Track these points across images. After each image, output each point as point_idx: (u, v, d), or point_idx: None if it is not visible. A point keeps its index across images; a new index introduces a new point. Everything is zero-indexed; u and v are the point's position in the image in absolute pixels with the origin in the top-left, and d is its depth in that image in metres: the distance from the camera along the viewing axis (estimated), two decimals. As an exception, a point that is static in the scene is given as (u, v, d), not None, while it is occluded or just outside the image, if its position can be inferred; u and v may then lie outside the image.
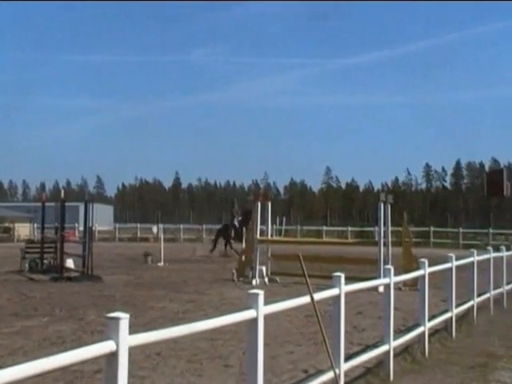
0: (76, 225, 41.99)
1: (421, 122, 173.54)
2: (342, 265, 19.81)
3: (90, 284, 17.59)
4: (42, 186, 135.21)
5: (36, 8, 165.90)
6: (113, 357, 3.70)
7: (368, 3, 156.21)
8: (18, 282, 18.17)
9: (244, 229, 25.55)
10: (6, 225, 52.15)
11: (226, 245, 29.80)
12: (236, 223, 29.55)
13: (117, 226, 56.80)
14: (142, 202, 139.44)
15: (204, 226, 53.76)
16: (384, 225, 16.98)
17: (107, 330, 3.76)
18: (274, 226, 36.39)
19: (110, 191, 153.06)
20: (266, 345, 5.60)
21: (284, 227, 40.74)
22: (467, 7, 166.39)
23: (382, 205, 16.91)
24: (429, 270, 9.39)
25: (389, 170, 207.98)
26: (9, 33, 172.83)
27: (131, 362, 3.91)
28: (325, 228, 52.72)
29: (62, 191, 22.99)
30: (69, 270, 20.61)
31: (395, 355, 8.10)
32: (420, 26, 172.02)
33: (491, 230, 44.01)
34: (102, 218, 54.58)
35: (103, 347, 3.68)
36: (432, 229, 44.60)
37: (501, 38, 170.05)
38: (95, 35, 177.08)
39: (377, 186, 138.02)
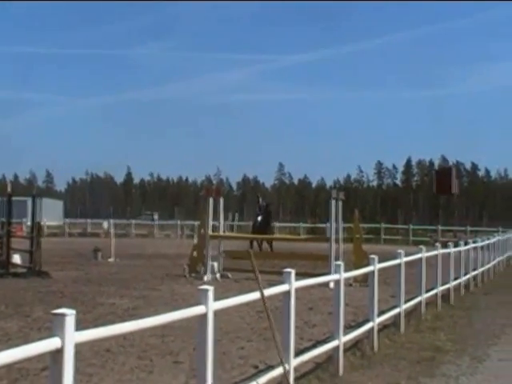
0: (24, 220, 41.09)
1: (372, 119, 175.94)
2: (294, 261, 19.99)
3: (38, 280, 17.23)
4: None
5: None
6: (58, 354, 3.62)
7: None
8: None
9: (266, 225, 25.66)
10: None
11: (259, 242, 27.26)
12: (259, 219, 27.31)
13: (67, 221, 55.86)
14: (93, 197, 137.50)
15: (156, 222, 53.40)
16: (335, 221, 17.15)
17: (53, 327, 3.68)
18: (227, 222, 36.44)
19: (60, 186, 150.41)
20: (216, 340, 5.57)
21: (237, 223, 40.76)
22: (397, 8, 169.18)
23: (334, 201, 17.07)
24: (378, 266, 9.51)
25: (341, 167, 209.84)
26: None
27: (79, 358, 3.84)
28: (277, 224, 52.99)
29: (9, 184, 22.44)
30: (15, 265, 20.14)
31: (345, 350, 8.18)
32: (366, 24, 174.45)
33: (440, 227, 44.99)
34: (52, 213, 53.58)
35: (48, 344, 3.60)
36: (383, 225, 45.32)
37: (447, 38, 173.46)
38: (26, 26, 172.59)
39: (329, 183, 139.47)
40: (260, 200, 27.17)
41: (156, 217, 75.42)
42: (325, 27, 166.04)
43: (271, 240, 25.20)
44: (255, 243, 25.85)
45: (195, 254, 18.74)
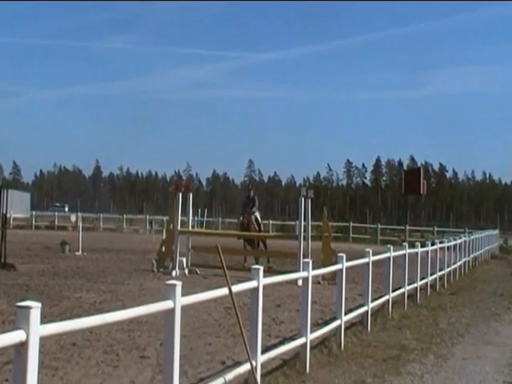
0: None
1: (342, 118, 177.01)
2: (263, 258, 20.03)
3: (3, 273, 16.97)
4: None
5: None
6: (22, 347, 3.56)
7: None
8: None
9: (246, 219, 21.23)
10: None
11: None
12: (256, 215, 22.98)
13: (33, 213, 55.09)
14: (61, 190, 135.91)
15: (125, 216, 52.98)
16: (304, 219, 17.21)
17: (17, 320, 3.62)
18: (196, 218, 36.29)
19: (27, 178, 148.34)
20: (183, 336, 5.54)
21: (206, 219, 40.64)
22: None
23: (303, 199, 17.12)
24: (346, 264, 9.56)
25: (311, 165, 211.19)
26: None
27: (45, 352, 3.79)
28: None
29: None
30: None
31: (312, 348, 8.21)
32: (333, 25, 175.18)
33: (408, 227, 45.47)
34: (19, 206, 52.78)
35: (13, 337, 3.54)
36: (351, 224, 45.64)
37: (425, 38, 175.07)
38: None
39: (299, 181, 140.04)
40: (252, 193, 22.03)
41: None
42: (294, 26, 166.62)
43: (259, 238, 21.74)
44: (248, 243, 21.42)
45: (164, 249, 18.64)
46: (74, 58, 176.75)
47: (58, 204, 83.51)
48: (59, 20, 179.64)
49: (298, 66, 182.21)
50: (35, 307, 3.62)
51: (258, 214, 21.74)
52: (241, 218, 21.77)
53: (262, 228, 22.48)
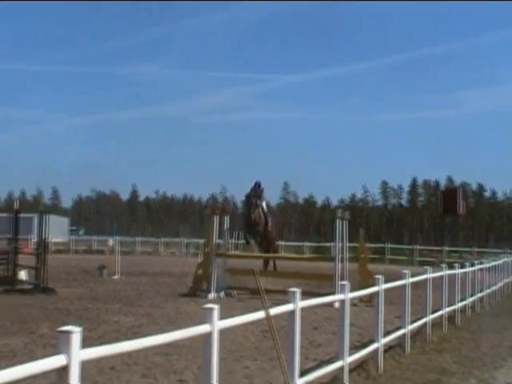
0: (30, 236, 41.14)
1: (378, 139, 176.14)
2: (298, 280, 19.93)
3: (44, 297, 17.24)
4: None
5: None
6: (64, 371, 3.63)
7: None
8: (-32, 294, 17.69)
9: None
10: None
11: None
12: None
13: (72, 238, 55.88)
14: (99, 215, 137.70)
15: (161, 240, 53.35)
16: (341, 241, 17.12)
17: (59, 344, 3.68)
18: (232, 240, 36.37)
19: (66, 203, 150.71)
20: (221, 359, 5.56)
21: (242, 241, 40.65)
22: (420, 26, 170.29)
23: (339, 221, 17.06)
24: (384, 286, 9.48)
25: (346, 187, 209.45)
26: None
27: (84, 376, 3.83)
28: (282, 243, 52.85)
29: (17, 201, 22.53)
30: (22, 282, 20.16)
31: (350, 371, 8.13)
32: (372, 44, 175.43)
33: (446, 248, 44.81)
34: (58, 230, 53.64)
35: (54, 361, 3.61)
36: (388, 245, 45.17)
37: (463, 58, 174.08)
38: (23, 41, 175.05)
39: (334, 202, 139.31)
40: (258, 183, 20.09)
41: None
42: (327, 48, 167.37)
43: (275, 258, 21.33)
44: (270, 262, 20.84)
45: (200, 272, 18.71)
46: (104, 85, 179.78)
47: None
48: (87, 47, 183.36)
49: (330, 87, 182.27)
50: (76, 332, 3.69)
51: (264, 205, 20.09)
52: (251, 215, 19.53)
53: (270, 222, 20.48)
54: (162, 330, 8.98)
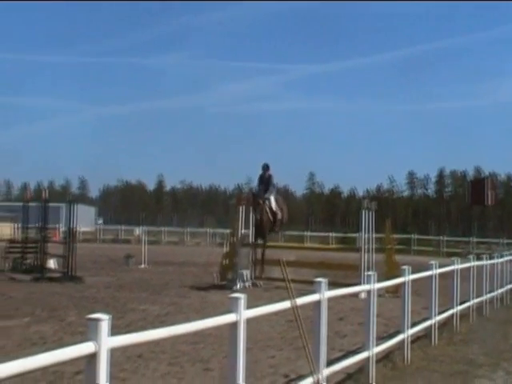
0: (58, 225, 41.69)
1: (405, 129, 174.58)
2: (324, 270, 19.89)
3: (72, 285, 17.47)
4: (25, 186, 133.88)
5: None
6: (93, 358, 3.67)
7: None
8: (-1, 282, 18.02)
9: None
10: None
11: None
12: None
13: (99, 227, 56.47)
14: (125, 204, 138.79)
15: (187, 229, 53.66)
16: (367, 231, 17.03)
17: (88, 332, 3.73)
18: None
19: (93, 193, 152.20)
20: (246, 349, 5.58)
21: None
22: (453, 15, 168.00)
23: (366, 211, 16.97)
24: (411, 277, 9.42)
25: (372, 177, 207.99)
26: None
27: (112, 363, 3.87)
28: (307, 233, 52.82)
29: (46, 191, 22.82)
30: (50, 270, 20.47)
31: (376, 361, 8.11)
32: (410, 31, 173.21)
33: (474, 239, 44.34)
34: (85, 219, 54.27)
35: (84, 348, 3.65)
36: (414, 236, 44.84)
37: (487, 47, 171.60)
38: (66, 35, 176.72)
39: (360, 193, 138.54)
40: (266, 173, 18.62)
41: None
42: (352, 38, 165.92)
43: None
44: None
45: (226, 262, 18.77)
46: (130, 76, 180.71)
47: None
48: (114, 39, 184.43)
49: (357, 76, 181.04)
50: (105, 320, 3.73)
51: (272, 199, 18.14)
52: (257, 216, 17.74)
53: (280, 216, 18.70)
54: (188, 319, 9.04)
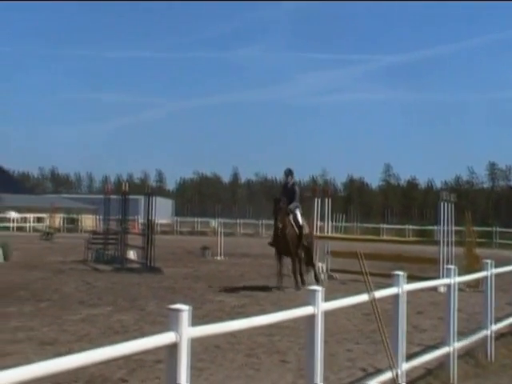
0: (137, 217, 42.77)
1: (484, 119, 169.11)
2: (401, 263, 19.54)
3: (151, 275, 17.89)
4: (105, 179, 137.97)
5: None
6: (174, 348, 3.72)
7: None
8: (83, 272, 18.69)
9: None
10: (74, 216, 53.77)
11: None
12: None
13: (176, 219, 57.57)
14: (201, 197, 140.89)
15: (262, 222, 53.91)
16: (446, 224, 16.61)
17: (169, 321, 3.78)
18: (333, 223, 36.13)
19: (170, 185, 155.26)
20: (323, 341, 5.55)
21: (343, 224, 40.39)
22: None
23: (444, 203, 16.54)
24: (494, 271, 9.11)
25: (450, 169, 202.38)
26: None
27: (191, 353, 3.92)
28: (383, 226, 52.06)
29: (126, 184, 23.46)
30: (130, 261, 21.04)
31: (457, 358, 7.89)
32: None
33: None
34: (162, 212, 55.45)
35: (165, 338, 3.71)
36: (496, 229, 43.41)
37: None
38: (125, 31, 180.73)
39: (438, 185, 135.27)
40: (289, 181, 16.13)
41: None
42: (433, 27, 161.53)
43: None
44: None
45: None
46: (212, 68, 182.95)
47: None
48: (190, 34, 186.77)
49: (434, 67, 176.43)
50: (185, 310, 3.78)
51: (298, 212, 15.72)
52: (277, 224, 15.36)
53: (307, 231, 16.32)
54: (264, 311, 9.10)
